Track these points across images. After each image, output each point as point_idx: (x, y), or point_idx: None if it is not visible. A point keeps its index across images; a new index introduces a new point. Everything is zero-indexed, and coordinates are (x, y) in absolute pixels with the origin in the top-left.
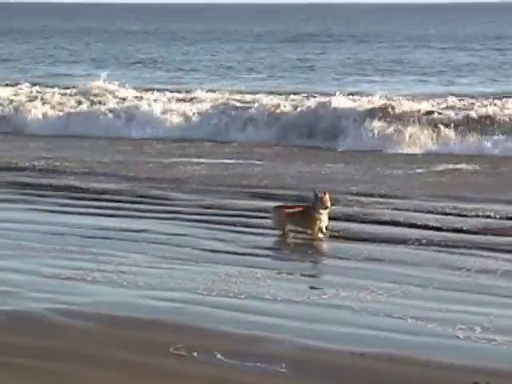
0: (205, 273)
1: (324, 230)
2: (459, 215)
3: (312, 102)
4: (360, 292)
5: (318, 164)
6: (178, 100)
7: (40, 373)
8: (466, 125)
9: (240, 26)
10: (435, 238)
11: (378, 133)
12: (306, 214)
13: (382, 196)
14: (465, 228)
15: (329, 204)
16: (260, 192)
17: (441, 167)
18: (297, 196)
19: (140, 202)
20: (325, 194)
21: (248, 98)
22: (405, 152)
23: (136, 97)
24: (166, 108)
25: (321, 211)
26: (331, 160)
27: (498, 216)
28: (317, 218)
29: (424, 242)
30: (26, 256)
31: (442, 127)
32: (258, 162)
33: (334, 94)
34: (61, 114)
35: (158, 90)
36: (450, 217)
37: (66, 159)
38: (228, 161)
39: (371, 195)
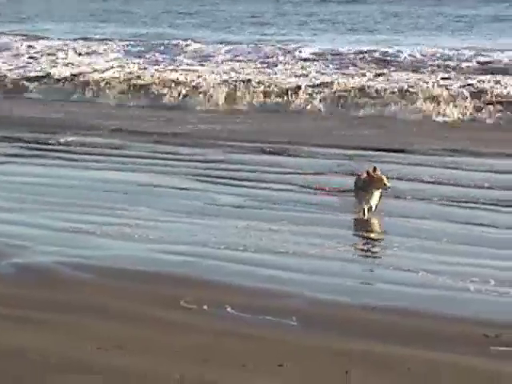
0: (216, 226)
1: (373, 209)
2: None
3: None
4: (373, 245)
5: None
6: None
7: (49, 325)
8: None
9: None
10: (448, 192)
11: None
12: (358, 190)
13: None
14: (479, 184)
15: (385, 183)
16: (269, 147)
17: None
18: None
19: (147, 157)
20: (374, 170)
21: None
22: None
23: None
24: None
25: (371, 190)
26: None
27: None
28: (366, 196)
29: (437, 196)
30: (36, 210)
31: None
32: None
33: None
34: None
35: None
36: (461, 172)
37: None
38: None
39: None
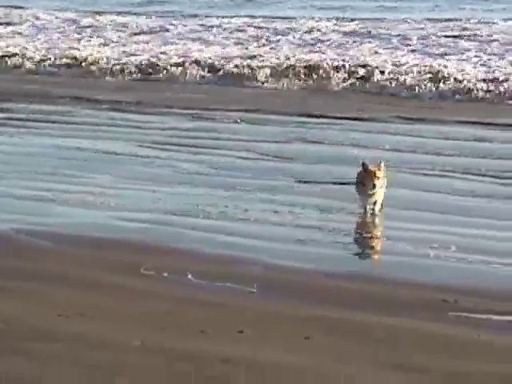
0: (176, 193)
1: (376, 209)
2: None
3: None
4: (333, 213)
5: None
6: None
7: (9, 293)
8: None
9: None
10: (407, 159)
11: None
12: (358, 186)
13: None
14: (438, 150)
15: (379, 181)
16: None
17: None
18: None
19: (106, 125)
20: (379, 166)
21: None
22: None
23: None
24: None
25: (370, 189)
26: None
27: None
28: (365, 195)
29: (396, 163)
30: None
31: None
32: None
33: None
34: None
35: None
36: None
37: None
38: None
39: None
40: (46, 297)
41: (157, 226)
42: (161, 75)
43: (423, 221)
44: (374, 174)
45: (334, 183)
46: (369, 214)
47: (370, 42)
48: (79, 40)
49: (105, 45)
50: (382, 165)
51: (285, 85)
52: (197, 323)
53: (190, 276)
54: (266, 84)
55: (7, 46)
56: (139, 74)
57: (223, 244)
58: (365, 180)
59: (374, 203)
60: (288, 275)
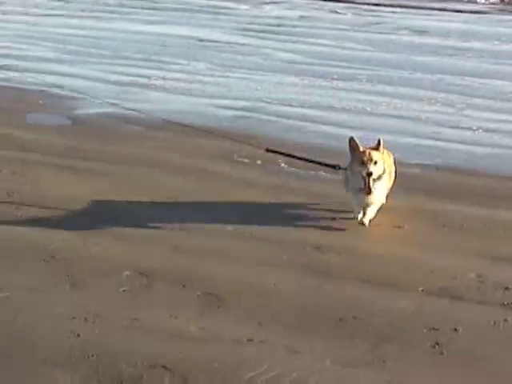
0: (270, 82)
1: (370, 213)
2: None
3: None
4: (432, 103)
5: None
6: None
7: (105, 176)
8: None
9: None
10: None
11: None
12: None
13: None
14: None
15: (374, 168)
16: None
17: None
18: None
19: (201, 11)
20: (377, 147)
21: None
22: None
23: None
24: None
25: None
26: None
27: None
28: (355, 188)
29: (497, 55)
30: (92, 63)
31: None
32: None
33: None
34: None
35: None
36: None
37: None
38: None
39: None
40: (138, 180)
41: (251, 113)
42: None
43: None
44: (370, 156)
45: (306, 160)
46: (359, 218)
47: None
48: None
49: None
50: (382, 145)
51: None
52: (289, 210)
53: (282, 164)
54: None
55: None
56: None
57: (316, 133)
58: (354, 165)
59: (369, 205)
60: None
